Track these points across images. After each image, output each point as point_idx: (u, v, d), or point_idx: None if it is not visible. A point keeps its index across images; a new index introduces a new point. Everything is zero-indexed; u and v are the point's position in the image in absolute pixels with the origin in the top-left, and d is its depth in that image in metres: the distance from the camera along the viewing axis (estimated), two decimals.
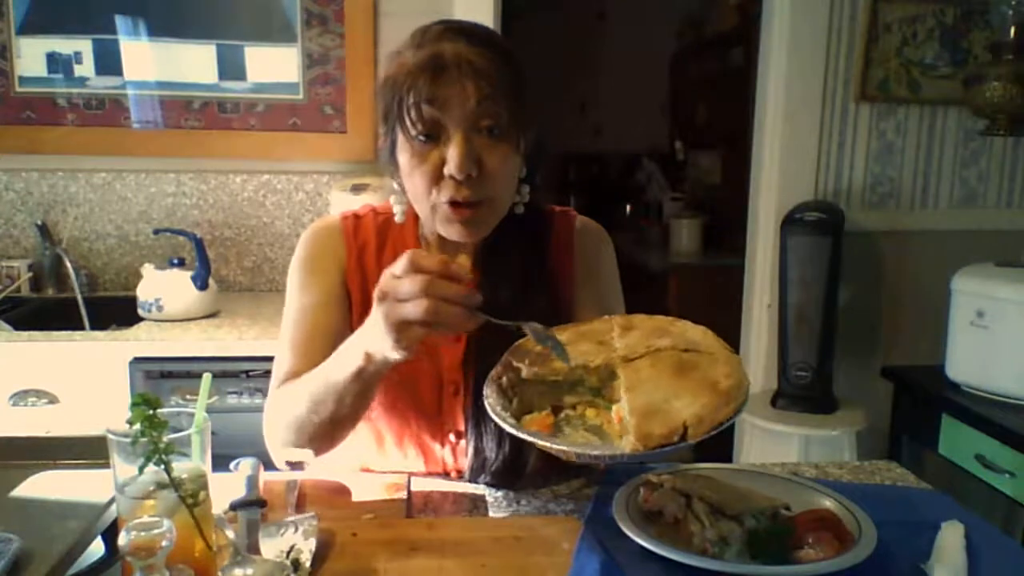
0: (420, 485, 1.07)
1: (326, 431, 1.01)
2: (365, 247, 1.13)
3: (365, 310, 0.99)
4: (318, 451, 1.04)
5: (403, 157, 1.01)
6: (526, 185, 1.09)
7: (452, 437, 1.11)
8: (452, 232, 1.02)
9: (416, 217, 1.11)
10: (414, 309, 0.82)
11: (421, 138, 0.98)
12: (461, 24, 1.04)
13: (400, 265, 0.84)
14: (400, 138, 1.01)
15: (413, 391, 1.10)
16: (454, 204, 0.99)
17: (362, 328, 0.92)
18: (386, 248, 1.13)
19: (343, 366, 0.94)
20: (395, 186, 1.09)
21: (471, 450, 1.08)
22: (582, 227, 1.19)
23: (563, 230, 1.17)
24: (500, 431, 1.00)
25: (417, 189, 1.01)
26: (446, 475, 1.12)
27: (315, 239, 1.15)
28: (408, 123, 0.97)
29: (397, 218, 1.11)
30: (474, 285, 0.89)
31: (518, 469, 1.07)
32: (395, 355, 0.87)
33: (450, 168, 0.96)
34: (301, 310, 1.14)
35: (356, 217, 1.16)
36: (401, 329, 0.84)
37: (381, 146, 1.08)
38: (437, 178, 0.99)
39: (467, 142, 0.97)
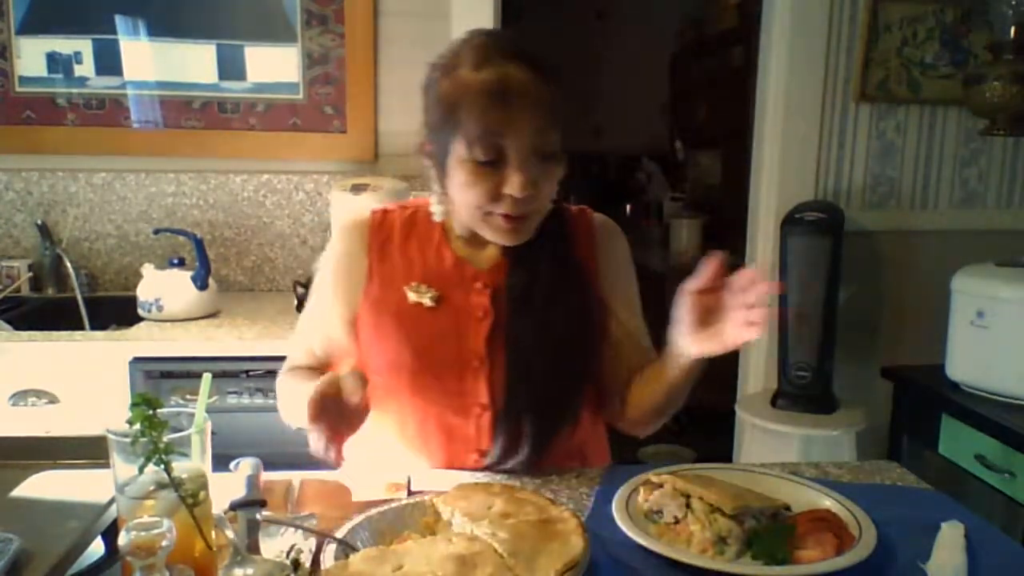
0: (421, 483, 1.07)
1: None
2: (389, 240, 1.18)
3: (383, 298, 1.15)
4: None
5: (460, 172, 1.06)
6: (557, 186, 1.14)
7: (477, 410, 1.13)
8: (500, 239, 1.11)
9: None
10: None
11: (484, 161, 1.04)
12: (518, 45, 1.07)
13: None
14: (457, 153, 1.06)
15: (436, 371, 1.14)
16: (507, 217, 1.06)
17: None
18: (411, 239, 1.18)
19: (301, 407, 1.02)
20: (436, 187, 1.14)
21: (502, 432, 1.11)
22: (601, 224, 1.24)
23: (583, 227, 1.22)
24: (527, 409, 1.10)
25: (472, 202, 1.07)
26: (473, 454, 1.14)
27: (342, 238, 1.22)
28: (474, 148, 1.03)
29: (436, 218, 1.17)
30: (496, 284, 1.11)
31: (543, 449, 1.12)
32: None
33: (511, 190, 1.03)
34: (316, 305, 1.24)
35: (384, 212, 1.22)
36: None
37: (428, 151, 1.13)
38: (494, 195, 1.05)
39: (528, 168, 1.03)
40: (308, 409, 0.95)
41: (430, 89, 1.12)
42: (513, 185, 1.03)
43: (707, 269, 0.98)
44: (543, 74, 1.05)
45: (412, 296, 1.13)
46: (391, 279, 1.16)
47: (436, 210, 1.16)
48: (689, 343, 1.01)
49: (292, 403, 1.16)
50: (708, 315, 0.98)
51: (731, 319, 0.95)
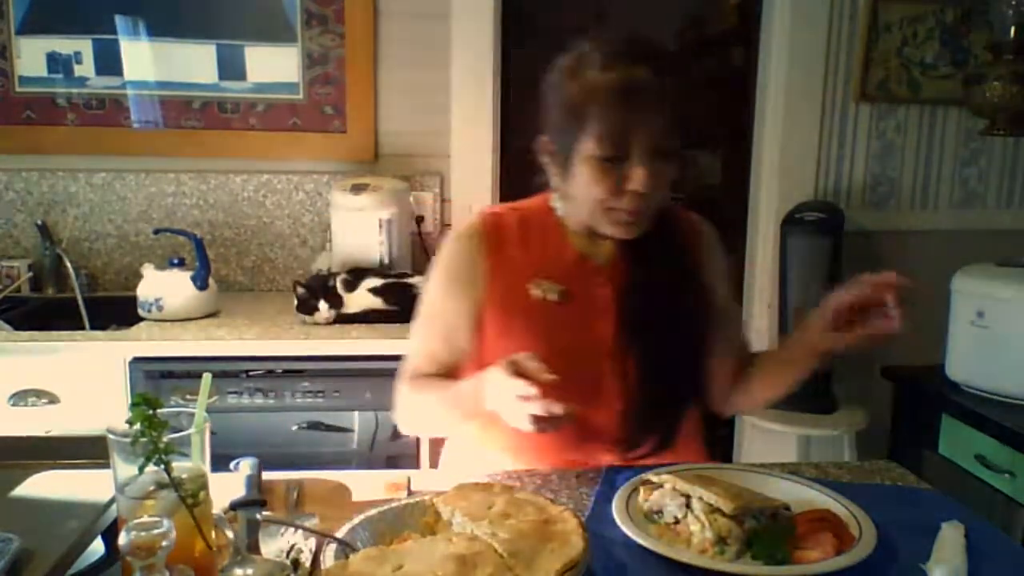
0: (421, 483, 1.07)
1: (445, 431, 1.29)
2: (506, 242, 1.22)
3: (507, 297, 1.19)
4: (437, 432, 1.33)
5: (585, 168, 1.11)
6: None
7: (608, 400, 1.18)
8: (618, 232, 1.15)
9: (553, 210, 1.23)
10: (523, 422, 0.98)
11: (608, 157, 1.08)
12: (643, 46, 1.12)
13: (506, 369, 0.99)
14: (582, 151, 1.10)
15: (567, 363, 1.14)
16: (629, 212, 1.11)
17: (480, 388, 1.06)
18: (529, 237, 1.23)
19: (459, 405, 1.15)
20: (556, 184, 1.19)
21: (633, 421, 1.17)
22: (706, 226, 1.32)
23: (689, 227, 1.28)
24: (657, 398, 1.18)
25: (595, 197, 1.11)
26: (607, 444, 1.18)
27: (457, 246, 1.25)
28: (600, 145, 1.08)
29: (558, 212, 1.23)
30: (617, 277, 1.19)
31: (672, 438, 1.19)
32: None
33: (634, 186, 1.08)
34: (434, 314, 1.27)
35: (495, 215, 1.26)
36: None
37: (550, 150, 1.17)
38: (617, 191, 1.10)
39: (650, 164, 1.08)
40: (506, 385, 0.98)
41: (554, 90, 1.14)
42: (636, 181, 1.08)
43: (863, 286, 1.09)
44: (667, 75, 1.09)
45: (537, 292, 1.18)
46: (513, 277, 1.20)
47: (558, 205, 1.22)
48: (832, 339, 1.11)
49: (426, 410, 1.25)
50: (849, 315, 1.10)
51: (874, 317, 1.08)
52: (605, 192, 1.10)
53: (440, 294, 1.25)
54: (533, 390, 0.95)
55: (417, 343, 1.29)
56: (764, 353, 1.30)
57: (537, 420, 0.96)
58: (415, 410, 1.26)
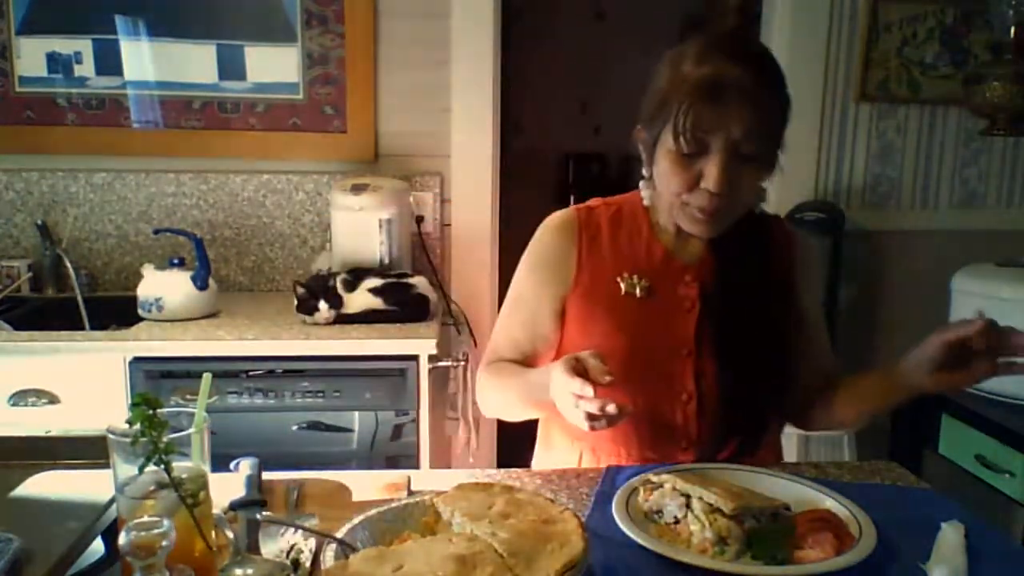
0: (421, 483, 1.07)
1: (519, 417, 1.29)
2: (597, 235, 1.23)
3: (593, 290, 1.21)
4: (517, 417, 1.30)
5: (665, 160, 1.11)
6: (764, 191, 1.18)
7: (684, 398, 1.18)
8: (694, 229, 1.15)
9: (645, 206, 1.23)
10: (578, 419, 0.98)
11: (687, 151, 1.08)
12: (746, 45, 1.14)
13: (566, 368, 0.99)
14: (665, 142, 1.10)
15: (646, 358, 1.18)
16: (703, 210, 1.10)
17: (547, 380, 1.05)
18: (620, 234, 1.23)
19: (530, 394, 1.17)
20: (645, 174, 1.19)
21: (708, 421, 1.18)
22: (802, 239, 1.31)
23: (785, 239, 1.27)
24: (734, 400, 1.17)
25: (671, 189, 1.12)
26: (682, 441, 1.19)
27: (551, 235, 1.26)
28: (680, 139, 1.07)
29: (645, 202, 1.22)
30: (704, 277, 1.18)
31: (751, 442, 1.18)
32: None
33: (707, 184, 1.07)
34: (520, 300, 1.28)
35: (589, 209, 1.27)
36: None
37: (641, 137, 1.17)
38: (692, 186, 1.09)
39: (727, 165, 1.06)
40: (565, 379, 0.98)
41: (653, 79, 1.15)
42: (709, 180, 1.07)
43: (971, 327, 1.06)
44: (765, 77, 1.08)
45: (624, 287, 1.19)
46: (601, 271, 1.21)
47: (645, 194, 1.21)
48: (925, 380, 1.08)
49: (501, 395, 1.26)
50: (953, 357, 1.06)
51: (980, 362, 1.05)
52: (680, 186, 1.10)
53: (528, 281, 1.27)
54: (589, 389, 0.95)
55: (500, 328, 1.31)
56: (854, 376, 1.26)
57: (591, 418, 0.97)
58: (492, 394, 1.28)
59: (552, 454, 1.30)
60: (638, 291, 1.18)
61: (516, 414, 1.31)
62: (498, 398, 1.27)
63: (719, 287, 1.19)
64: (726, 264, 1.19)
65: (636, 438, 1.19)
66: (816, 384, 1.25)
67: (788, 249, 1.26)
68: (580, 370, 0.99)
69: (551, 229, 1.26)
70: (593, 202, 1.28)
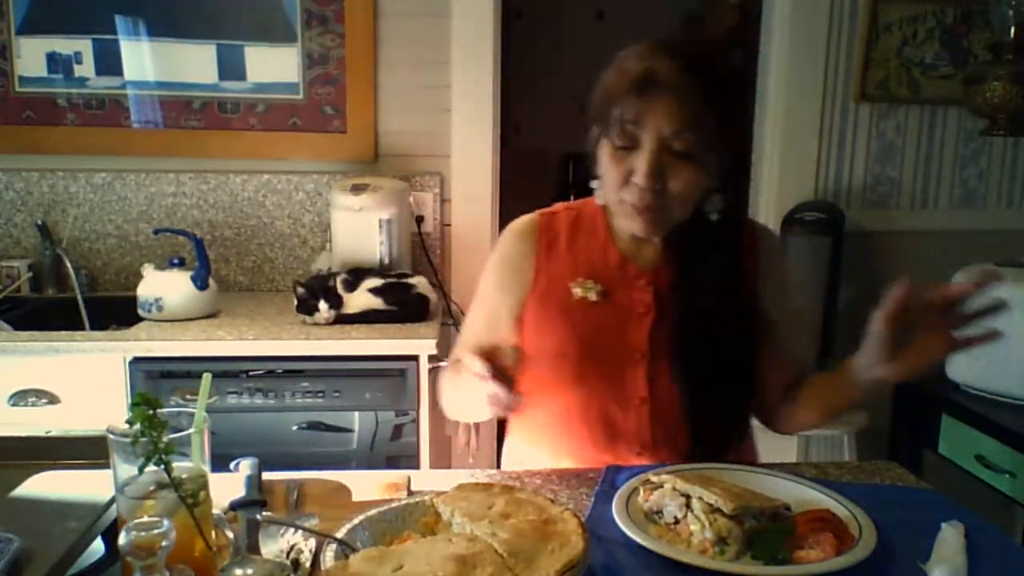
0: (421, 483, 1.07)
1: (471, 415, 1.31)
2: (556, 240, 1.24)
3: (548, 295, 1.21)
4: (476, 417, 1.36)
5: (604, 156, 1.13)
6: (717, 195, 1.16)
7: (636, 403, 1.18)
8: (632, 228, 1.16)
9: (605, 210, 1.23)
10: (483, 401, 1.02)
11: (620, 145, 1.09)
12: (685, 43, 1.13)
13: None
14: (605, 138, 1.12)
15: (599, 362, 1.18)
16: (635, 206, 1.11)
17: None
18: (578, 237, 1.24)
19: (471, 389, 1.12)
20: (595, 176, 1.20)
21: (661, 426, 1.18)
22: (761, 232, 1.29)
23: (755, 241, 1.26)
24: (687, 405, 1.17)
25: (609, 185, 1.14)
26: (635, 447, 1.19)
27: (511, 240, 1.27)
28: (613, 133, 1.09)
29: (598, 201, 1.22)
30: (659, 282, 1.18)
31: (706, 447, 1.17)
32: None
33: (636, 178, 1.08)
34: (482, 301, 1.30)
35: (551, 214, 1.28)
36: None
37: (589, 137, 1.19)
38: (626, 180, 1.10)
39: (656, 159, 1.07)
40: (471, 363, 1.00)
41: (600, 79, 1.16)
42: (638, 173, 1.08)
43: (895, 295, 0.99)
44: (699, 76, 1.06)
45: (578, 291, 1.19)
46: (558, 275, 1.21)
47: (598, 195, 1.21)
48: (883, 369, 1.03)
49: (456, 391, 1.24)
50: (899, 339, 1.01)
51: (931, 337, 0.99)
52: (615, 181, 1.11)
53: (490, 284, 1.28)
54: (484, 370, 0.98)
55: (465, 327, 1.33)
56: (817, 376, 1.24)
57: (491, 401, 1.00)
58: (448, 392, 1.28)
59: (513, 455, 1.32)
60: (592, 295, 1.18)
61: (469, 412, 1.32)
62: (452, 395, 1.27)
63: (673, 292, 1.18)
64: (681, 269, 1.19)
65: (590, 441, 1.20)
66: (783, 385, 1.24)
67: (750, 245, 1.25)
68: (487, 355, 1.01)
69: (512, 234, 1.27)
70: (557, 207, 1.29)
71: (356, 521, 0.87)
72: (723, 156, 1.11)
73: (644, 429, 1.18)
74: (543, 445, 1.25)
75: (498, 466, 1.34)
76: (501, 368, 1.00)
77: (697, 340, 1.16)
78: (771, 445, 2.33)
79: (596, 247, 1.23)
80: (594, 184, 1.21)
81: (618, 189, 1.11)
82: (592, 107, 1.15)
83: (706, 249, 1.18)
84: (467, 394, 1.16)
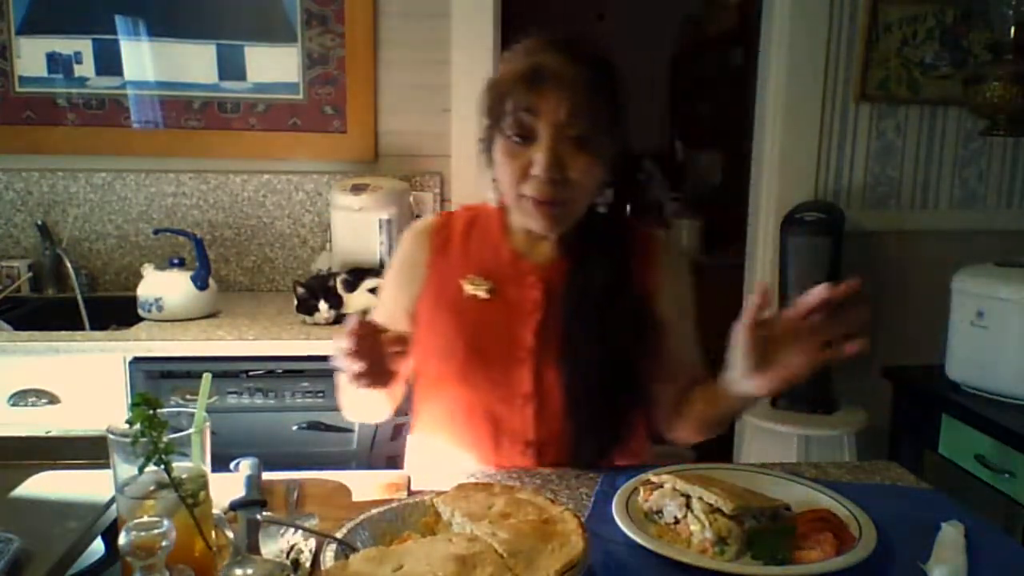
0: (421, 483, 1.07)
1: (369, 408, 1.24)
2: (450, 239, 1.24)
3: (440, 294, 1.21)
4: (372, 416, 1.27)
5: (498, 152, 1.13)
6: (610, 188, 1.17)
7: (520, 401, 1.17)
8: (533, 224, 1.15)
9: (503, 210, 1.23)
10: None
11: (516, 139, 1.09)
12: (567, 38, 1.13)
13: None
14: (498, 135, 1.12)
15: (484, 359, 1.18)
16: (537, 201, 1.10)
17: None
18: (472, 236, 1.24)
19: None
20: (492, 178, 1.18)
21: (546, 424, 1.16)
22: (665, 244, 1.30)
23: (646, 243, 1.25)
24: (574, 405, 1.15)
25: (506, 181, 1.12)
26: (519, 445, 1.18)
27: (408, 241, 1.28)
28: (506, 125, 1.09)
29: (492, 203, 1.23)
30: (550, 280, 1.17)
31: (593, 447, 1.16)
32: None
33: (536, 170, 1.08)
34: (382, 302, 1.31)
35: (449, 214, 1.30)
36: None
37: (482, 138, 1.18)
38: (524, 174, 1.10)
39: (554, 148, 1.08)
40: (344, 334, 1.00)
41: (488, 80, 1.17)
42: (536, 164, 1.07)
43: (753, 301, 0.98)
44: (587, 65, 1.08)
45: (468, 288, 1.19)
46: (450, 274, 1.21)
47: (492, 196, 1.21)
48: (751, 383, 1.01)
49: (349, 391, 1.21)
50: (768, 349, 0.98)
51: (798, 347, 0.97)
52: (513, 176, 1.10)
53: (388, 284, 1.30)
54: (346, 347, 0.98)
55: None
56: (701, 386, 1.19)
57: (351, 376, 1.01)
58: (346, 394, 1.23)
59: (416, 449, 1.30)
60: (482, 292, 1.18)
61: (364, 409, 1.27)
62: (350, 394, 1.22)
63: (562, 290, 1.17)
64: (572, 267, 1.18)
65: (478, 438, 1.19)
66: (674, 392, 1.21)
67: (645, 251, 1.23)
68: (352, 331, 1.00)
69: (409, 235, 1.28)
70: (458, 209, 1.31)
71: (356, 521, 0.87)
72: (615, 148, 1.13)
73: (528, 427, 1.18)
74: (442, 439, 1.24)
75: (402, 457, 1.35)
76: (376, 345, 1.00)
77: (583, 339, 1.15)
78: (771, 445, 2.34)
79: (489, 245, 1.23)
80: (489, 186, 1.20)
81: (517, 184, 1.10)
82: (483, 108, 1.15)
83: (596, 247, 1.18)
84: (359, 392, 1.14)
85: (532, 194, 1.10)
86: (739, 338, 1.00)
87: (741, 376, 1.02)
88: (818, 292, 0.95)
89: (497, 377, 1.18)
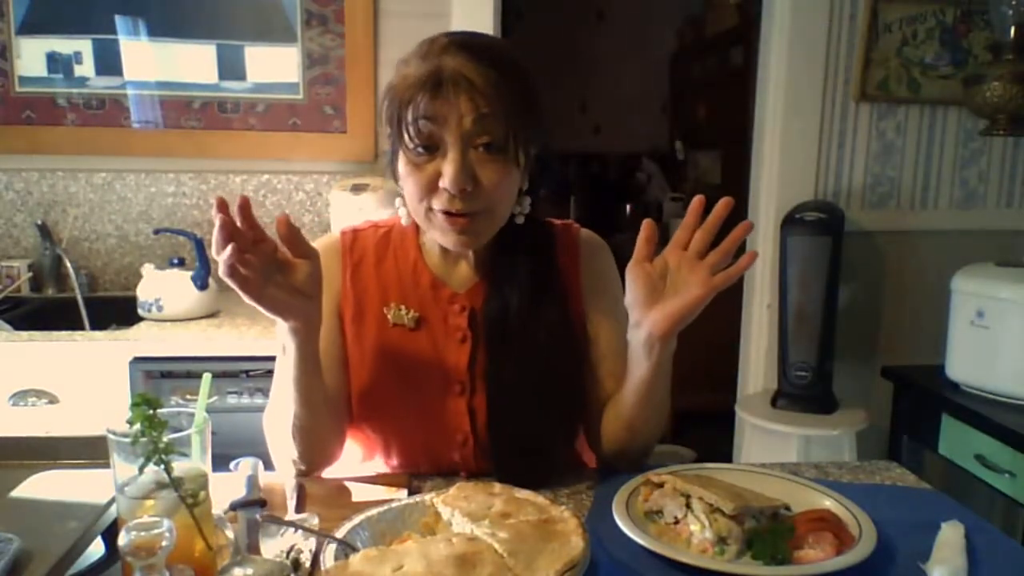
0: (421, 483, 1.07)
1: (311, 429, 1.05)
2: (362, 261, 1.14)
3: (360, 320, 1.10)
4: (320, 461, 1.09)
5: (402, 165, 1.03)
6: (527, 196, 1.10)
7: (460, 438, 1.11)
8: (447, 241, 1.05)
9: (418, 226, 1.12)
10: (222, 266, 0.92)
11: (419, 150, 1.00)
12: (468, 38, 1.03)
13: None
14: (402, 147, 1.02)
15: (419, 395, 1.11)
16: (448, 214, 1.01)
17: None
18: (386, 259, 1.14)
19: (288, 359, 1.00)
20: (399, 191, 1.09)
21: (486, 462, 1.08)
22: (586, 239, 1.20)
23: (567, 242, 1.17)
24: (510, 438, 1.05)
25: (412, 196, 1.03)
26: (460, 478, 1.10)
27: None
28: (407, 136, 0.99)
29: (403, 221, 1.13)
30: (473, 304, 1.07)
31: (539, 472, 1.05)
32: (270, 315, 0.96)
33: (445, 183, 0.99)
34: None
35: (355, 232, 1.17)
36: (237, 284, 0.95)
37: (387, 150, 1.10)
38: (432, 188, 1.00)
39: (463, 157, 0.98)
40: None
41: (386, 87, 1.07)
42: (444, 176, 0.98)
43: (641, 238, 0.97)
44: (485, 65, 0.99)
45: (392, 317, 1.10)
46: (368, 300, 1.12)
47: (401, 213, 1.11)
48: (648, 324, 0.97)
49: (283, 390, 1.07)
50: (660, 286, 0.97)
51: (687, 274, 0.96)
52: (419, 189, 1.01)
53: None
54: (220, 241, 0.92)
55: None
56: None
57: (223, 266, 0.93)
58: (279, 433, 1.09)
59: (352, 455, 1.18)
60: (406, 321, 1.09)
61: (298, 411, 1.05)
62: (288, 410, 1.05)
63: (486, 316, 1.08)
64: (494, 288, 1.09)
65: (418, 471, 1.12)
66: (603, 403, 1.12)
67: (573, 256, 1.16)
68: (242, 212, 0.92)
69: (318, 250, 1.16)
70: (362, 225, 1.18)
71: (356, 521, 0.87)
72: (529, 153, 1.04)
73: (470, 467, 1.10)
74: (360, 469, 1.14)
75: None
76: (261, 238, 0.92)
77: (516, 366, 1.06)
78: (771, 445, 2.34)
79: (407, 268, 1.12)
80: (398, 202, 1.10)
81: (423, 198, 1.01)
82: (384, 119, 1.05)
83: (518, 259, 1.09)
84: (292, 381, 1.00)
85: (443, 207, 1.00)
86: (630, 277, 0.98)
87: (638, 321, 0.98)
88: (692, 208, 0.97)
89: (433, 413, 1.09)
